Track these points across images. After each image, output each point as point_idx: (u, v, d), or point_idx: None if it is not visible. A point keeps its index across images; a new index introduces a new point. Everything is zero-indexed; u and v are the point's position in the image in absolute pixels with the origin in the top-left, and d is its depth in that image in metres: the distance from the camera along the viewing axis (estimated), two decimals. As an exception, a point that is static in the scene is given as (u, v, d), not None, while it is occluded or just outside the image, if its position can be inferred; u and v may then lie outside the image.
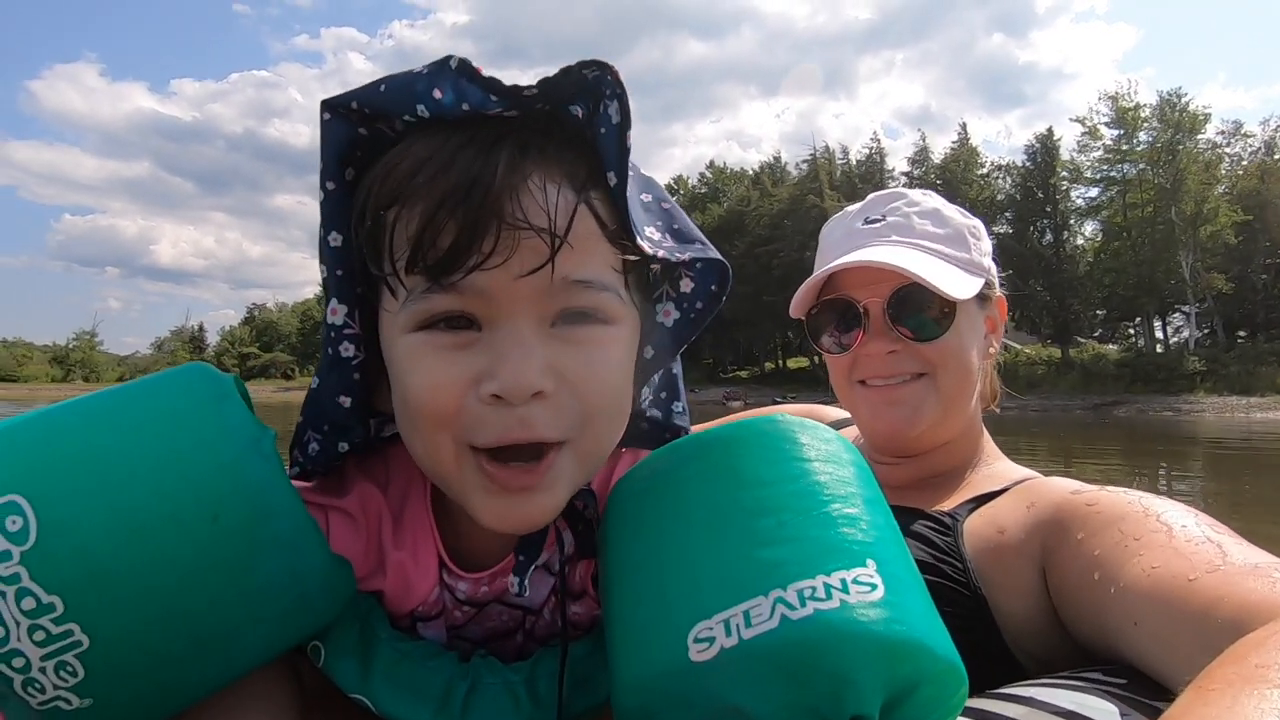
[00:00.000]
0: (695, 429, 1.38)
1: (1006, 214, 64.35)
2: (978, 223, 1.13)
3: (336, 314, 0.58)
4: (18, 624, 0.47)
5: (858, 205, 1.18)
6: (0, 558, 0.46)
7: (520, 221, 0.49)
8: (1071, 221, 59.45)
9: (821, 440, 0.59)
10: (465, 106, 0.51)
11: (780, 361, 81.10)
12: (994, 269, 1.12)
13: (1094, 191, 57.15)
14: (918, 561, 0.76)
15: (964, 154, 68.02)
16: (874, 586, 0.48)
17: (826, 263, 1.11)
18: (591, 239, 0.53)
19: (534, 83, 0.50)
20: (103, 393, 0.57)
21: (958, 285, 1.01)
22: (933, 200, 1.14)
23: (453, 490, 0.58)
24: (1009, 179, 66.45)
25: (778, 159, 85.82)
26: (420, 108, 0.52)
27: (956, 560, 0.91)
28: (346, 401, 0.61)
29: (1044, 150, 61.06)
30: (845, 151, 77.40)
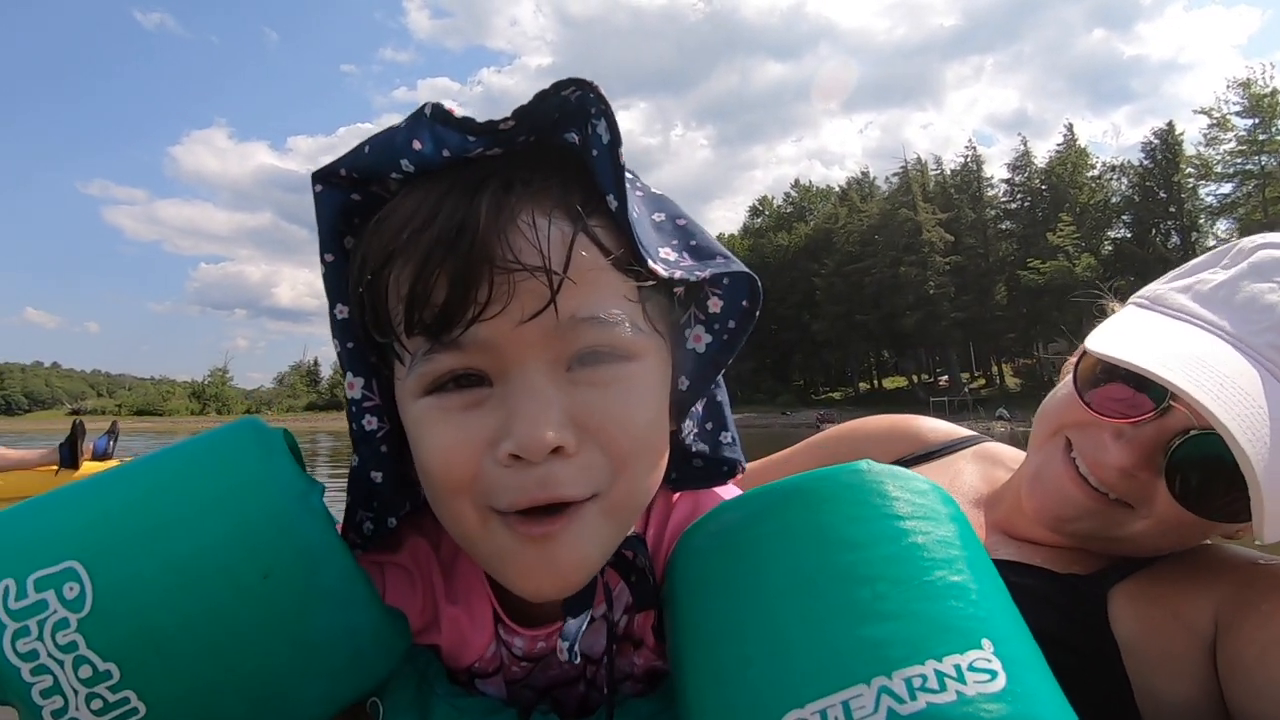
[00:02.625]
0: (769, 460, 1.27)
1: (1124, 217, 59.76)
2: None
3: (354, 388, 0.57)
4: (76, 693, 0.46)
5: (1267, 243, 0.75)
6: (58, 626, 0.47)
7: (513, 263, 0.46)
8: (1201, 221, 54.37)
9: (915, 493, 0.53)
10: (446, 153, 0.50)
11: (875, 381, 78.09)
12: None
13: (1227, 187, 52.17)
14: (1049, 635, 0.59)
15: (1071, 156, 63.75)
16: (994, 674, 0.42)
17: (1172, 307, 0.77)
18: (596, 270, 0.50)
19: (510, 115, 0.48)
20: (156, 454, 0.57)
21: None
22: None
23: (482, 557, 0.55)
24: (1124, 180, 61.73)
25: (866, 173, 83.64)
26: (404, 162, 0.50)
27: (1096, 635, 0.76)
28: (378, 477, 0.59)
29: (1164, 146, 56.37)
30: (938, 161, 74.43)
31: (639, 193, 0.56)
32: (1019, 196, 66.81)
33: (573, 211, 0.50)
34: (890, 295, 61.38)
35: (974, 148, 71.84)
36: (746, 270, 0.56)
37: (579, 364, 0.50)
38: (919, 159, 72.85)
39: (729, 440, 0.66)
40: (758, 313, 0.59)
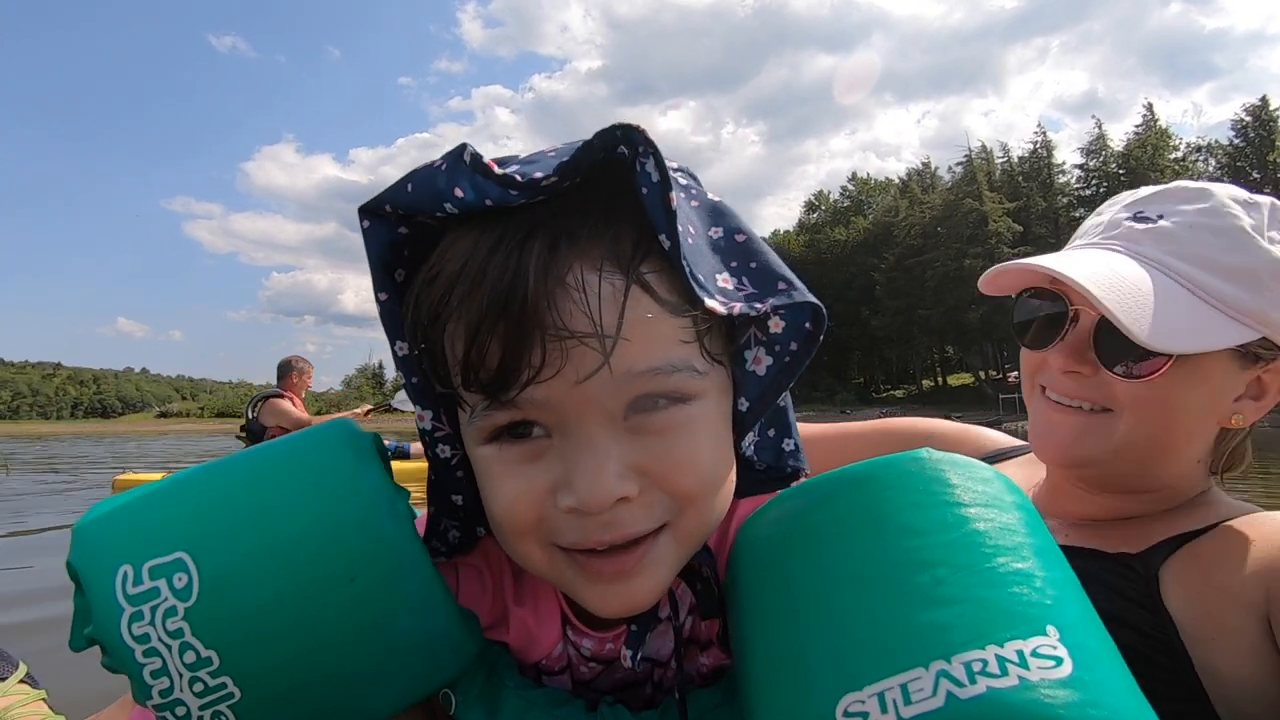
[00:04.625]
0: (827, 430, 1.26)
1: (1211, 200, 56.00)
2: None
3: (424, 419, 0.57)
4: (180, 675, 0.50)
5: (1150, 190, 0.92)
6: (168, 614, 0.50)
7: (563, 331, 0.46)
8: (1300, 202, 50.47)
9: (978, 480, 0.52)
10: (488, 202, 0.49)
11: (939, 378, 75.56)
12: None
13: (1329, 165, 48.20)
14: (1102, 613, 0.63)
15: (1151, 138, 60.13)
16: (1059, 661, 0.41)
17: (1067, 247, 0.92)
18: (651, 321, 0.49)
19: (553, 170, 0.47)
20: (255, 450, 0.59)
21: (1183, 334, 0.78)
22: (1251, 215, 0.83)
23: (555, 584, 0.57)
24: (1211, 161, 57.82)
25: (927, 164, 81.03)
26: (448, 205, 0.50)
27: (1151, 612, 0.77)
28: (459, 499, 0.60)
29: (1257, 123, 52.62)
30: (1005, 149, 71.38)
31: (694, 203, 0.55)
32: (1093, 183, 63.38)
33: (624, 259, 0.48)
34: (954, 288, 59.14)
35: (1043, 132, 68.66)
36: (811, 300, 0.54)
37: (636, 411, 0.50)
38: (983, 146, 70.19)
39: (791, 448, 0.65)
40: (821, 337, 0.58)
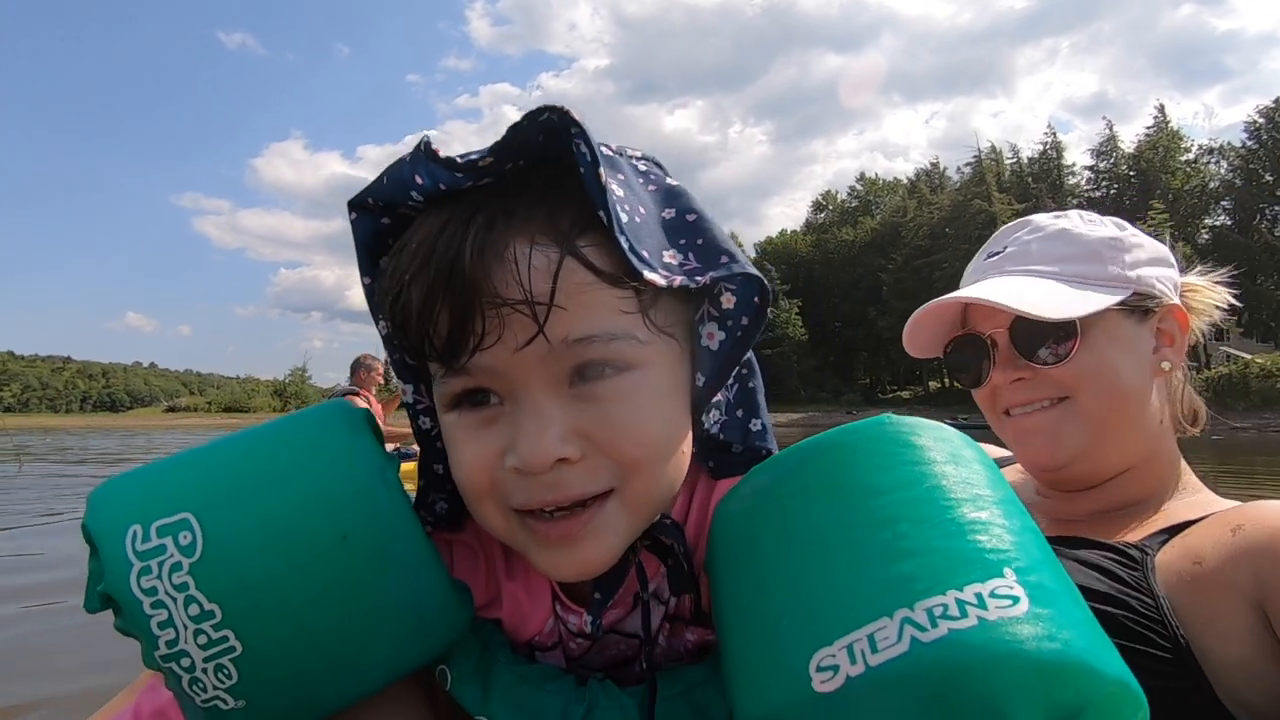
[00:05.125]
0: None
1: (1223, 203, 55.55)
2: (1123, 234, 1.00)
3: (406, 393, 0.62)
4: (185, 628, 0.52)
5: (992, 236, 1.14)
6: (173, 568, 0.53)
7: (498, 299, 0.49)
8: (1313, 205, 49.96)
9: (939, 439, 0.54)
10: (442, 187, 0.52)
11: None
12: (1165, 276, 0.98)
13: (1343, 168, 47.68)
14: (1099, 594, 0.65)
15: (1163, 139, 59.58)
16: (1015, 600, 0.43)
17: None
18: (588, 290, 0.51)
19: (488, 151, 0.50)
20: (259, 426, 0.63)
21: (1070, 304, 0.92)
22: (1064, 221, 1.03)
23: (514, 547, 0.59)
24: (1224, 163, 57.33)
25: (936, 164, 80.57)
26: (413, 194, 0.53)
27: (1147, 596, 0.80)
28: (440, 469, 0.63)
29: (1271, 125, 52.12)
30: (1014, 150, 70.92)
31: (651, 188, 0.57)
32: (1104, 184, 62.89)
33: (561, 234, 0.51)
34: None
35: (1053, 133, 68.15)
36: (753, 272, 0.56)
37: (580, 379, 0.52)
38: (993, 147, 69.54)
39: (758, 428, 0.66)
40: (769, 311, 0.60)
